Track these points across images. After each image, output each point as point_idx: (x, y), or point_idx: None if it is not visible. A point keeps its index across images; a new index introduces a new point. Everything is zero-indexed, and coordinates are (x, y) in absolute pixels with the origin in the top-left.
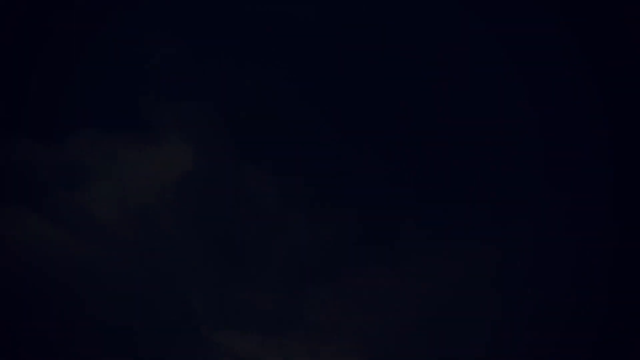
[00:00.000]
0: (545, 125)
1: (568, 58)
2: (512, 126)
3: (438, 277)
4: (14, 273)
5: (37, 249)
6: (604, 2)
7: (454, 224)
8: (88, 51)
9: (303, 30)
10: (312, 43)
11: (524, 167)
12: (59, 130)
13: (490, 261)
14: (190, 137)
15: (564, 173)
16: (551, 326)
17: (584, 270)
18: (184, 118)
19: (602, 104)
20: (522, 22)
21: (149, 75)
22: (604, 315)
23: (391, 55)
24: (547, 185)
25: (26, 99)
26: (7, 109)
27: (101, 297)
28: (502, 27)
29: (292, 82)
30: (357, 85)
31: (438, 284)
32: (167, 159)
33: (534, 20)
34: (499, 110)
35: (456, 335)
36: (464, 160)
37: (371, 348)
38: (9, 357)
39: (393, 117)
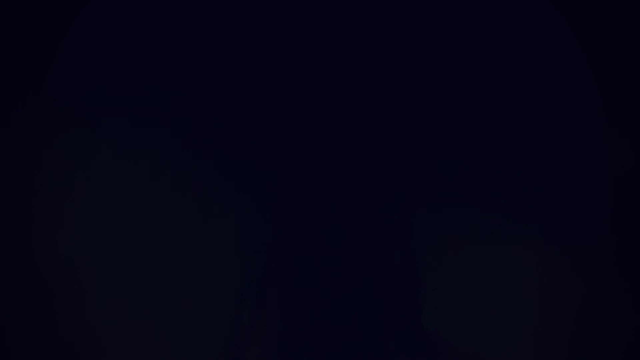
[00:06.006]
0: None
1: (569, 57)
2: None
3: None
4: None
5: None
6: (604, 2)
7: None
8: None
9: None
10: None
11: (522, 169)
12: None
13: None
14: None
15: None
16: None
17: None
18: None
19: (601, 105)
20: (520, 20)
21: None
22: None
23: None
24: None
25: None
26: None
27: None
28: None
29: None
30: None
31: None
32: None
33: (533, 18)
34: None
35: None
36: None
37: None
38: None
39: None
